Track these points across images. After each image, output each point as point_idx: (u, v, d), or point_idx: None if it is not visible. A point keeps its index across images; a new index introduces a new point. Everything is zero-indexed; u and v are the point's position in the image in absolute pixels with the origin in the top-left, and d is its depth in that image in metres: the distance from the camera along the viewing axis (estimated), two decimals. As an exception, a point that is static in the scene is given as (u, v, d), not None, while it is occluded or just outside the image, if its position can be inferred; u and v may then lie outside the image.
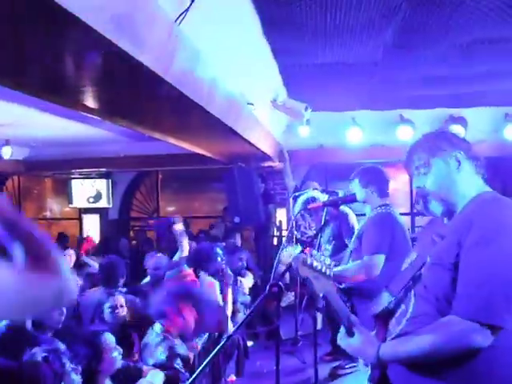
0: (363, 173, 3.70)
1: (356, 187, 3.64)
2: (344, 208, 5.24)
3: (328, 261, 1.90)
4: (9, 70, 2.38)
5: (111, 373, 2.84)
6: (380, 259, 3.37)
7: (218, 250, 4.90)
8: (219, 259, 4.84)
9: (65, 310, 3.32)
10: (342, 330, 1.87)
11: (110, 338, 2.87)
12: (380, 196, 3.63)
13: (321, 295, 1.85)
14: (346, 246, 5.15)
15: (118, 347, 2.87)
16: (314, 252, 1.95)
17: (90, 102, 3.05)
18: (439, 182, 1.86)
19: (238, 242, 7.17)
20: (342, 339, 1.88)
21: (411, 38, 3.48)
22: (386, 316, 1.98)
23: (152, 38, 2.13)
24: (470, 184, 1.85)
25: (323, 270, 1.86)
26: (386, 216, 3.55)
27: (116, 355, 2.83)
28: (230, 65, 3.38)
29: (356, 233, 3.64)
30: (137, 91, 2.82)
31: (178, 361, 3.22)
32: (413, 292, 1.86)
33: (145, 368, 3.10)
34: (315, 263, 1.85)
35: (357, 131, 6.41)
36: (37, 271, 0.90)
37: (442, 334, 1.64)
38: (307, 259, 1.86)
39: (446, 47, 3.67)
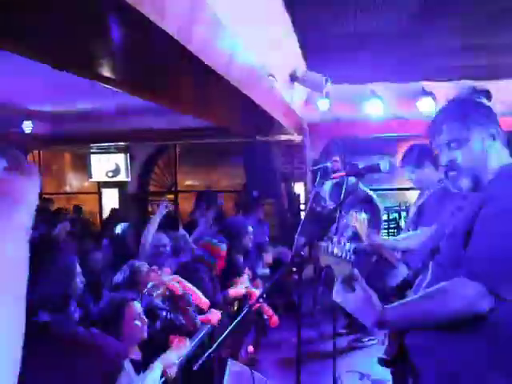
0: (418, 153, 3.63)
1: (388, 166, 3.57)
2: (370, 192, 5.20)
3: (348, 246, 1.90)
4: (27, 39, 2.37)
5: (137, 342, 2.87)
6: None
7: (250, 229, 4.84)
8: (247, 238, 4.81)
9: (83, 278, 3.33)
10: (338, 283, 1.76)
11: (135, 307, 2.89)
12: (437, 170, 3.59)
13: (339, 279, 1.84)
14: None
15: (143, 316, 2.87)
16: (334, 239, 1.94)
17: (109, 73, 3.03)
18: (473, 157, 1.76)
19: (262, 216, 7.14)
20: (339, 293, 1.76)
21: (437, 6, 3.39)
22: (403, 288, 1.98)
23: (174, 5, 2.10)
24: (499, 159, 1.78)
25: (343, 256, 1.86)
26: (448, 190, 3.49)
27: (140, 324, 2.84)
28: (250, 36, 3.33)
29: (418, 203, 3.60)
30: (157, 61, 2.80)
31: None
32: (431, 263, 1.85)
33: (171, 337, 3.14)
34: (335, 250, 1.85)
35: (377, 104, 6.32)
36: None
37: (447, 298, 1.62)
38: (328, 247, 1.86)
39: (472, 16, 3.58)
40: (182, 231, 5.28)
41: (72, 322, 2.18)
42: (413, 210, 3.73)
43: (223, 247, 4.33)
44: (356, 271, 1.80)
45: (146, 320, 2.87)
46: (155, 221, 4.60)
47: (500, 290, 1.57)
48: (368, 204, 4.99)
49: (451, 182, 1.85)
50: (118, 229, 5.30)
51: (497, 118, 1.83)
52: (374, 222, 4.96)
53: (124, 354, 1.35)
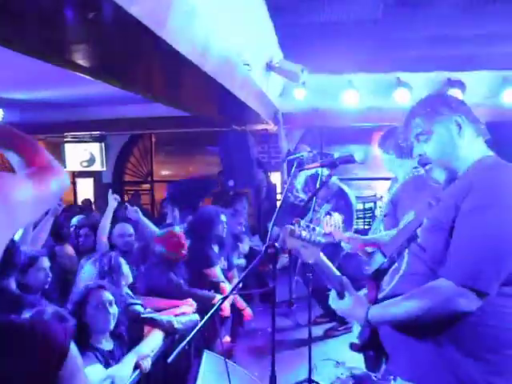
0: (387, 137, 3.56)
1: (363, 154, 3.48)
2: (343, 186, 5.23)
3: (318, 228, 1.89)
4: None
5: (102, 331, 2.80)
6: None
7: (223, 217, 4.80)
8: (221, 227, 4.77)
9: (50, 272, 3.28)
10: (333, 292, 1.89)
11: (100, 294, 2.82)
12: (412, 158, 3.53)
13: (310, 262, 1.86)
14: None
15: (109, 306, 2.81)
16: (302, 222, 1.92)
17: (80, 60, 2.96)
18: (441, 148, 1.80)
19: (245, 207, 7.12)
20: (333, 301, 1.91)
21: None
22: (378, 276, 1.99)
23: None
24: (471, 148, 1.80)
25: (312, 239, 1.85)
26: (423, 179, 3.46)
27: (103, 313, 2.79)
28: (225, 23, 3.28)
29: (390, 197, 3.56)
30: (129, 49, 2.73)
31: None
32: (407, 251, 1.86)
33: (146, 329, 3.12)
34: (304, 233, 1.84)
35: (353, 94, 6.32)
36: (42, 173, 1.06)
37: (430, 299, 1.65)
38: (295, 230, 1.85)
39: (447, 6, 3.59)
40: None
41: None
42: (387, 199, 3.70)
43: (176, 231, 4.27)
44: (345, 279, 1.87)
45: (112, 311, 2.81)
46: (108, 215, 4.51)
47: (480, 287, 1.59)
48: (340, 197, 5.01)
49: (428, 175, 1.90)
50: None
51: (464, 108, 1.85)
52: (347, 217, 4.99)
53: (67, 337, 1.32)
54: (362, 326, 1.95)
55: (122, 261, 3.50)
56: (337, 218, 3.47)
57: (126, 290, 3.47)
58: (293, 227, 1.86)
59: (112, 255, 3.50)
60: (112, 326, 2.81)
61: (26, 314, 2.23)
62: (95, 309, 2.75)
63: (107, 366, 2.67)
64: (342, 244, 3.36)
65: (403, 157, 3.45)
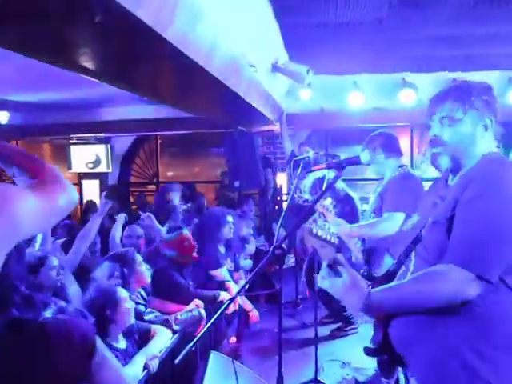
0: (374, 140, 3.68)
1: (368, 155, 3.60)
2: (350, 192, 5.25)
3: (332, 229, 1.89)
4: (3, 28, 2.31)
5: (124, 328, 2.87)
6: (400, 217, 3.34)
7: (229, 218, 4.81)
8: (227, 228, 4.78)
9: (61, 271, 3.34)
10: (324, 269, 1.79)
11: (123, 292, 2.89)
12: (397, 157, 3.63)
13: (325, 263, 1.84)
14: None
15: (130, 302, 2.89)
16: (320, 221, 1.92)
17: (86, 62, 2.97)
18: (459, 138, 1.80)
19: (252, 208, 7.09)
20: (325, 279, 1.79)
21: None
22: (386, 279, 1.98)
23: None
24: (486, 149, 1.82)
25: (328, 239, 1.84)
26: (410, 176, 3.57)
27: (128, 309, 2.86)
28: (231, 25, 3.29)
29: (378, 193, 3.64)
30: (135, 51, 2.74)
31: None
32: (413, 253, 1.87)
33: (152, 327, 3.15)
34: (320, 232, 1.83)
35: (358, 95, 6.32)
36: (46, 186, 1.05)
37: (438, 283, 1.65)
38: (313, 229, 1.84)
39: (452, 6, 3.59)
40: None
41: (38, 313, 2.16)
42: (374, 199, 3.76)
43: (186, 234, 4.27)
44: (341, 256, 1.81)
45: (130, 306, 2.89)
46: (117, 229, 4.69)
47: (483, 273, 1.60)
48: (347, 203, 5.03)
49: (432, 158, 1.88)
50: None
51: (496, 109, 1.85)
52: (351, 220, 5.01)
53: (93, 331, 1.38)
54: (375, 327, 1.94)
55: (139, 258, 3.52)
56: (327, 202, 3.60)
57: (139, 290, 3.50)
58: (311, 226, 1.86)
59: (129, 250, 3.55)
60: (131, 321, 2.88)
61: (47, 313, 2.25)
62: (114, 306, 2.82)
63: (122, 364, 2.72)
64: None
65: (389, 156, 3.59)
